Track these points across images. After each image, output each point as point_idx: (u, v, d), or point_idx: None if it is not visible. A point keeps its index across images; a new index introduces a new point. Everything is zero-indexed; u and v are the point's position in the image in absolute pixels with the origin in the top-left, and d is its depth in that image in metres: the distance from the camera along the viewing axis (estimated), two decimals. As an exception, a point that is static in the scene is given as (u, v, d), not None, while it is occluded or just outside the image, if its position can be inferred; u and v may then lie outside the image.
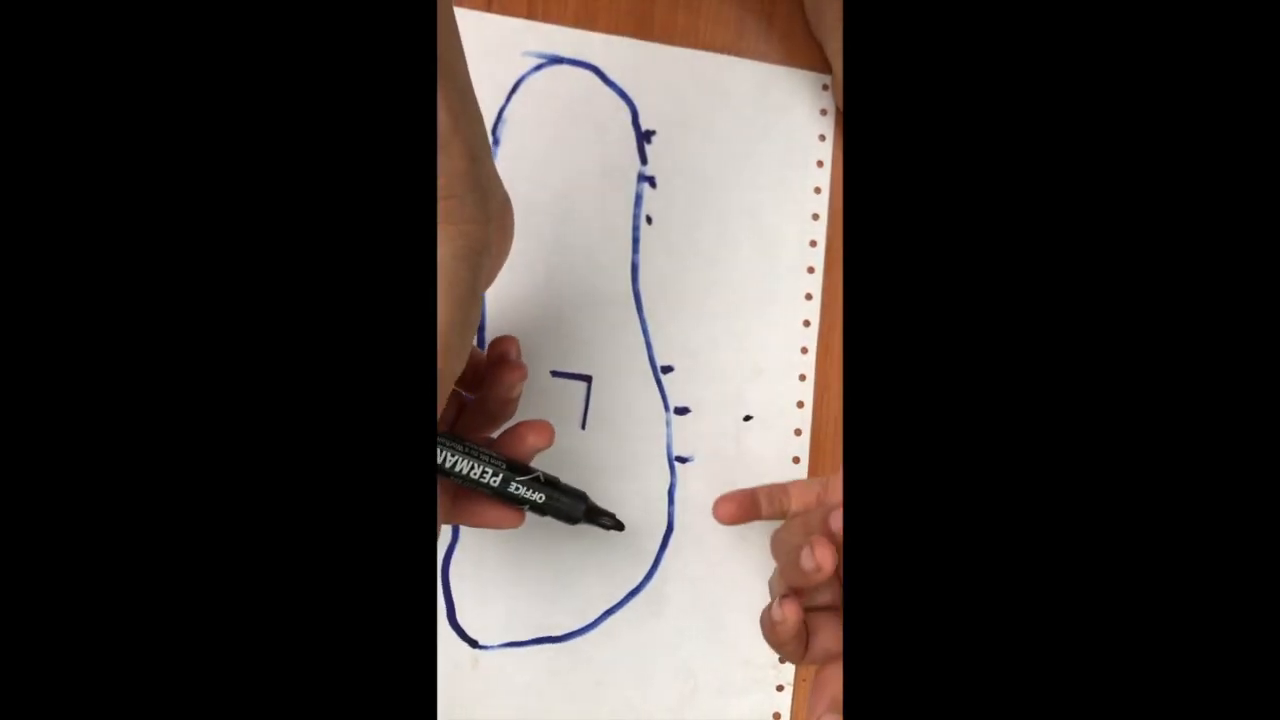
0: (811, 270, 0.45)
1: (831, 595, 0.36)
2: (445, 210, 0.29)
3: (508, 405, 0.36)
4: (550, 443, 0.36)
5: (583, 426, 0.43)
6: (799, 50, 0.47)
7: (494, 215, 0.31)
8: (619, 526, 0.39)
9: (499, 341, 0.36)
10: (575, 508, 0.37)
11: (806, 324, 0.45)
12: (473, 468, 0.34)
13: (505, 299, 0.43)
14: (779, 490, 0.39)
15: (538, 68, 0.44)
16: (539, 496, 0.36)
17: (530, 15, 0.45)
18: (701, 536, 0.43)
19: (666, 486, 0.43)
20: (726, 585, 0.43)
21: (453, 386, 0.33)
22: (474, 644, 0.41)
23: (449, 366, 0.30)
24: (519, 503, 0.35)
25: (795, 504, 0.39)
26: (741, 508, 0.40)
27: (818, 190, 0.46)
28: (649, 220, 0.44)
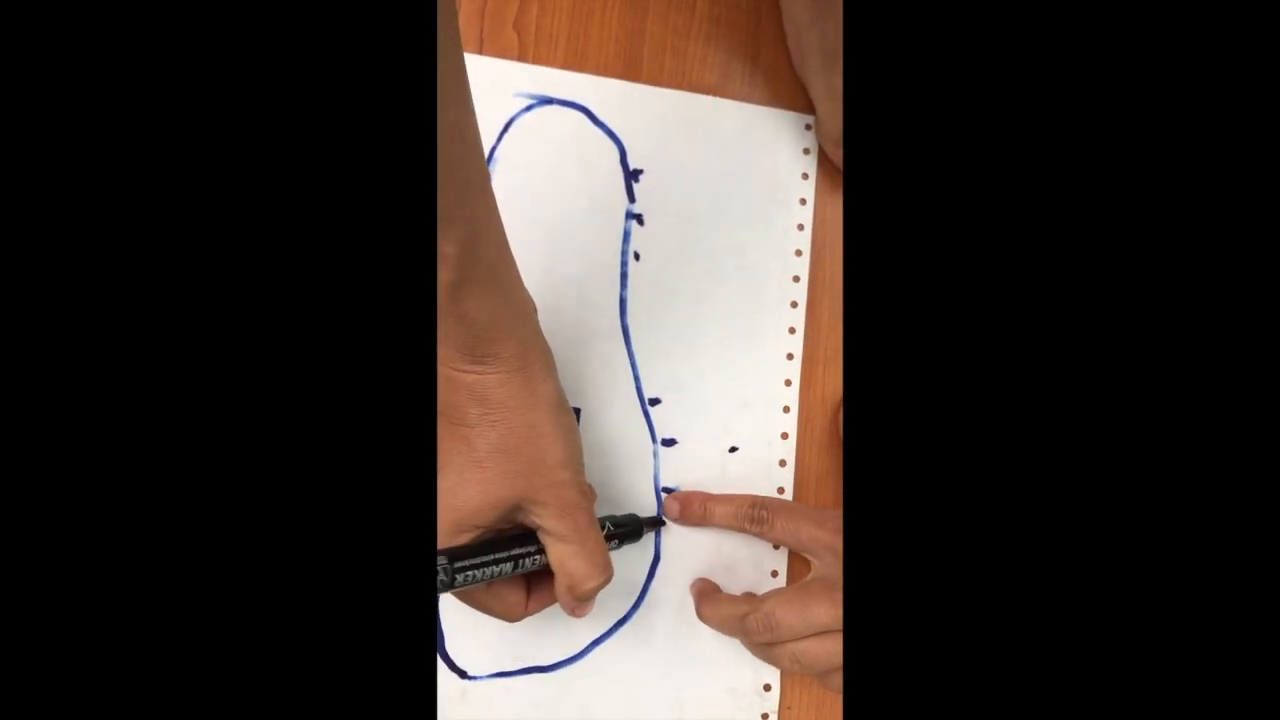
0: (795, 305, 0.46)
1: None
2: (542, 367, 0.34)
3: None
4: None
5: (571, 458, 0.44)
6: (783, 92, 0.48)
7: (552, 361, 0.36)
8: (661, 522, 0.44)
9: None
10: (639, 530, 0.42)
11: (790, 357, 0.46)
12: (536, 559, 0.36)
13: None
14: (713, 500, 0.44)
15: (528, 108, 0.46)
16: (615, 543, 0.41)
17: (521, 57, 0.46)
18: (688, 567, 0.44)
19: (654, 517, 0.44)
20: (712, 615, 0.44)
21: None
22: (463, 674, 0.42)
23: (587, 508, 0.35)
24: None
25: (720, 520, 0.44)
26: (685, 507, 0.44)
27: (800, 227, 0.47)
28: (636, 256, 0.45)
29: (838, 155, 0.47)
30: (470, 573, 0.33)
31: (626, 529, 0.41)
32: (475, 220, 0.31)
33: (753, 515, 0.42)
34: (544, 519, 0.34)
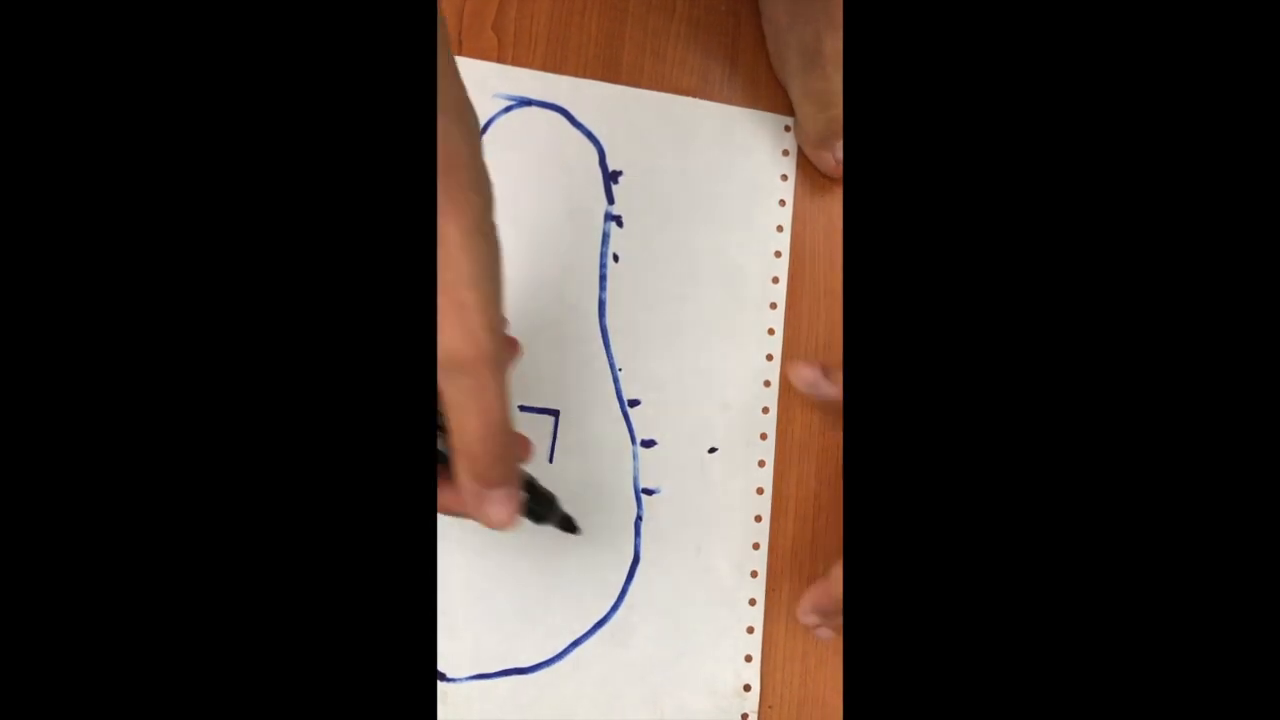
0: (774, 306, 0.47)
1: None
2: (468, 179, 0.28)
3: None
4: (530, 456, 0.35)
5: (550, 460, 0.44)
6: (762, 94, 0.49)
7: (491, 195, 0.30)
8: (574, 530, 0.39)
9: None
10: (548, 513, 0.37)
11: (770, 358, 0.46)
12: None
13: (475, 335, 0.44)
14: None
15: (507, 109, 0.46)
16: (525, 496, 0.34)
17: (500, 59, 0.46)
18: (668, 568, 0.44)
19: (633, 518, 0.44)
20: (692, 615, 0.44)
21: (507, 368, 0.30)
22: (442, 676, 0.42)
23: (495, 347, 0.28)
24: None
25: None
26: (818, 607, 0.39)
27: (780, 229, 0.47)
28: (616, 258, 0.45)
29: (818, 157, 0.47)
30: None
31: (540, 504, 0.36)
32: None
33: None
34: (438, 346, 0.28)
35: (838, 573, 0.39)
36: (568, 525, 0.38)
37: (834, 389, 0.40)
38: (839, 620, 0.40)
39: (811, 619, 0.40)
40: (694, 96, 0.48)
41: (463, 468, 0.30)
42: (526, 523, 0.39)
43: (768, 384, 0.46)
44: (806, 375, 0.40)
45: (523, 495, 0.33)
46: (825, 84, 0.45)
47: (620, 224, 0.46)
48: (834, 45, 0.45)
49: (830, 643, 0.45)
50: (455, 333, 0.28)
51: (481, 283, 0.29)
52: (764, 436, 0.46)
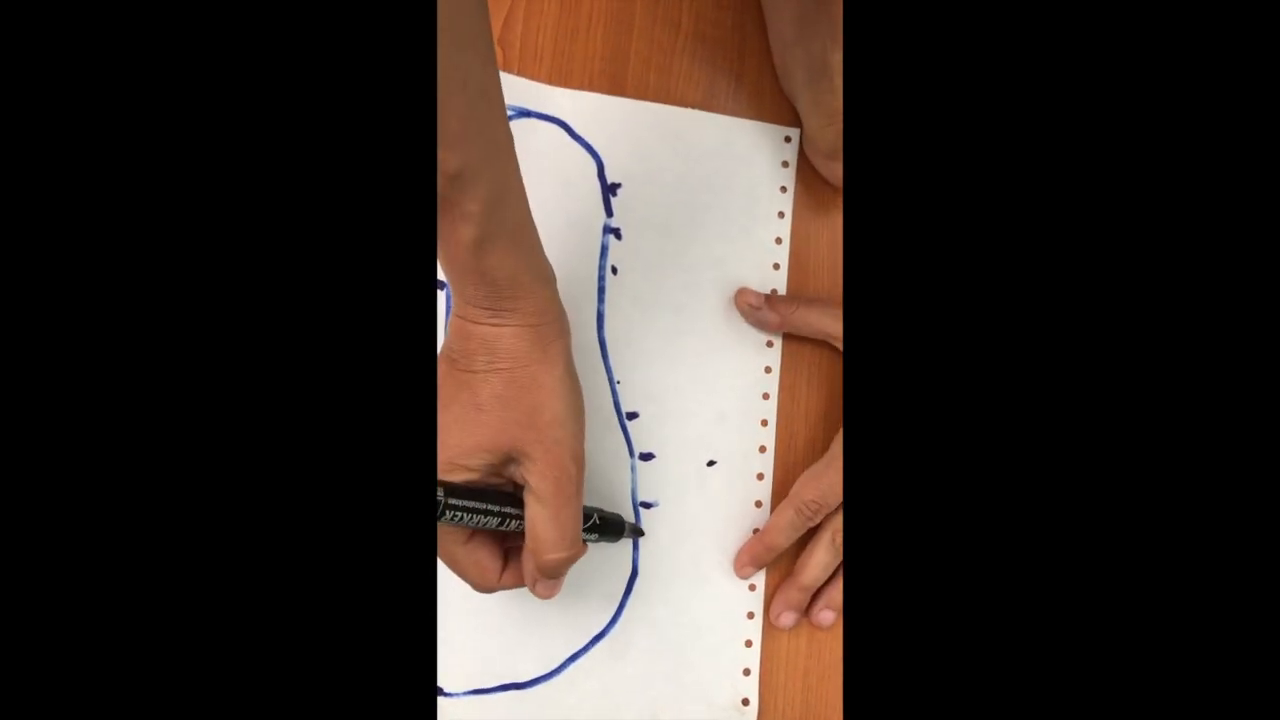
0: (773, 318, 0.46)
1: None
2: (557, 329, 0.35)
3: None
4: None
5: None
6: (768, 107, 0.48)
7: (570, 334, 0.37)
8: (641, 533, 0.44)
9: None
10: (620, 530, 0.42)
11: (768, 370, 0.46)
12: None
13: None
14: None
15: (507, 122, 0.46)
16: (595, 536, 0.40)
17: (505, 68, 0.46)
18: (666, 581, 0.44)
19: (636, 525, 0.44)
20: (690, 629, 0.43)
21: (583, 494, 0.36)
22: (439, 692, 0.41)
23: (577, 477, 0.35)
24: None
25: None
26: (755, 558, 0.44)
27: (778, 240, 0.47)
28: (614, 271, 0.45)
29: (828, 169, 0.47)
30: (459, 513, 0.33)
31: (609, 524, 0.41)
32: (500, 180, 0.32)
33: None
34: (529, 474, 0.34)
35: (772, 521, 0.43)
36: (636, 533, 0.44)
37: (774, 316, 0.45)
38: (801, 600, 0.43)
39: (786, 618, 0.43)
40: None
41: (530, 562, 0.35)
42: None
43: (766, 396, 0.46)
44: (750, 299, 0.45)
45: (593, 537, 0.40)
46: (833, 97, 0.45)
47: (619, 236, 0.46)
48: (840, 59, 0.45)
49: (829, 655, 0.45)
50: (546, 465, 0.34)
51: (570, 421, 0.35)
52: (762, 449, 0.45)
